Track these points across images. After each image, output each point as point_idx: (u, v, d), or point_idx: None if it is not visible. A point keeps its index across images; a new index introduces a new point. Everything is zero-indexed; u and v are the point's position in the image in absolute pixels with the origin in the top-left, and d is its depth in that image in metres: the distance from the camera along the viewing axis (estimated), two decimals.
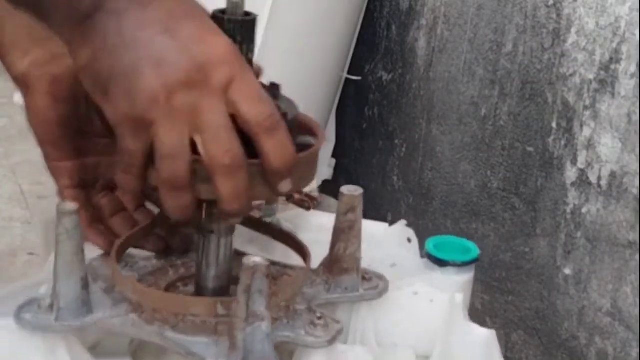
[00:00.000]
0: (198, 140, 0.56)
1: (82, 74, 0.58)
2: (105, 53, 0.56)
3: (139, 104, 0.55)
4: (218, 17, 0.60)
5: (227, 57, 0.57)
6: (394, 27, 1.87)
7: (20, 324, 0.62)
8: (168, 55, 0.56)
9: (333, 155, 2.04)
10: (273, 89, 0.63)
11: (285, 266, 0.73)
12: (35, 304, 0.63)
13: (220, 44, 0.57)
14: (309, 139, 0.65)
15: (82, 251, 0.62)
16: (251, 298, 0.59)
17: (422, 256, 0.81)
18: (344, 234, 0.69)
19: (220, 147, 0.56)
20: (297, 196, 0.83)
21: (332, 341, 0.63)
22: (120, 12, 0.56)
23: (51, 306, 0.62)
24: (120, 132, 0.57)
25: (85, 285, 0.63)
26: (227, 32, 0.59)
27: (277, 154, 0.58)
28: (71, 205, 0.61)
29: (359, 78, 1.96)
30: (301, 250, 0.72)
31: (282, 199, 0.84)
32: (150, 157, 0.58)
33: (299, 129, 0.64)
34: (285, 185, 0.59)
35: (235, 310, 0.60)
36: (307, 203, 0.83)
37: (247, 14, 0.61)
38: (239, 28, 0.60)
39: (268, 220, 0.82)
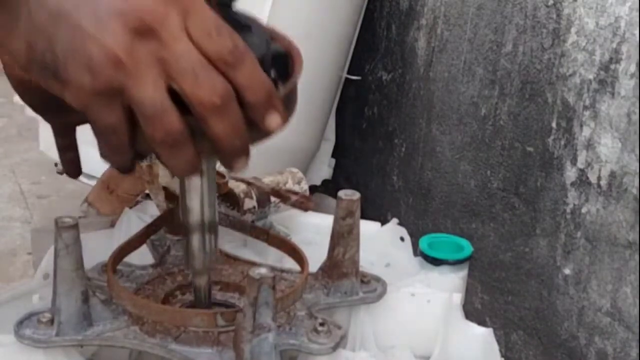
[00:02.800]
0: (178, 88, 0.51)
1: (28, 68, 0.52)
2: (37, 33, 0.50)
3: (101, 72, 0.50)
4: None
5: None
6: (393, 27, 1.87)
7: (20, 340, 0.62)
8: (105, 11, 0.50)
9: (333, 155, 2.04)
10: (240, 19, 0.58)
11: (282, 270, 0.73)
12: (34, 319, 0.63)
13: None
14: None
15: (82, 265, 0.62)
16: (258, 310, 0.58)
17: (415, 255, 0.81)
18: (343, 239, 0.69)
19: (205, 88, 0.51)
20: (293, 197, 0.83)
21: (336, 347, 0.63)
22: None
23: (51, 320, 0.62)
24: (92, 110, 0.52)
25: (86, 299, 0.63)
26: None
27: (251, 87, 0.53)
28: (70, 220, 0.61)
29: (359, 78, 1.96)
30: (299, 257, 0.72)
31: (276, 201, 0.83)
32: (132, 124, 0.53)
33: (274, 60, 0.59)
34: (273, 120, 0.55)
35: (241, 322, 0.59)
36: (304, 204, 0.83)
37: None
38: None
39: (261, 223, 0.81)
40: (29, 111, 0.69)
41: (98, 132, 0.53)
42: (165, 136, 0.52)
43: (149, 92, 0.51)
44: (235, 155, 0.55)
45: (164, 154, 0.53)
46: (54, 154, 1.76)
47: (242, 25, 0.57)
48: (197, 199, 0.62)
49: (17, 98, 0.68)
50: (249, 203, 0.84)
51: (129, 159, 0.55)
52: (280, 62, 0.61)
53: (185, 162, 0.54)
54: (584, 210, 1.36)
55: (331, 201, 1.84)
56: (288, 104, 0.58)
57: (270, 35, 0.60)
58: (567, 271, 1.41)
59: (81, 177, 1.68)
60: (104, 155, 0.55)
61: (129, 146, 0.54)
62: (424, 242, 0.80)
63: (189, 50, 0.51)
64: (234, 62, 0.52)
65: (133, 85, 0.50)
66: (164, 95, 0.51)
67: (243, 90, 0.53)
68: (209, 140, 0.53)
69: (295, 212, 0.87)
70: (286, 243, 0.74)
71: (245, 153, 0.55)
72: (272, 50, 0.59)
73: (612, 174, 1.30)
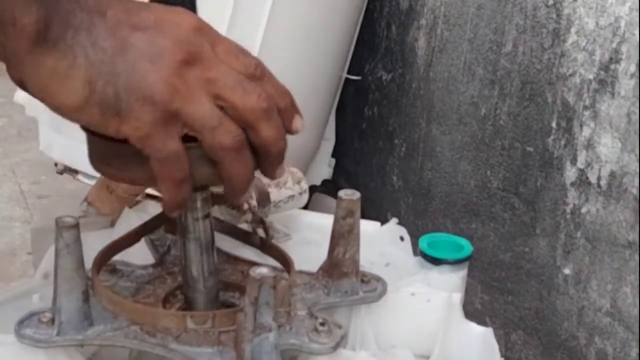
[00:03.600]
0: (226, 103, 0.57)
1: (83, 108, 0.55)
2: (97, 71, 0.55)
3: (161, 100, 0.55)
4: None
5: (197, 25, 0.58)
6: (393, 27, 1.87)
7: (21, 340, 0.62)
8: (153, 46, 0.56)
9: (333, 155, 2.04)
10: None
11: (283, 270, 0.73)
12: (35, 318, 0.63)
13: (184, 18, 0.58)
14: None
15: (83, 265, 0.62)
16: (258, 310, 0.59)
17: (415, 254, 0.81)
18: (343, 239, 0.69)
19: (253, 96, 0.58)
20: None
21: (336, 347, 0.63)
22: (87, 26, 0.55)
23: (52, 320, 0.62)
24: (153, 141, 0.56)
25: (86, 299, 0.63)
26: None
27: (280, 95, 0.60)
28: (71, 219, 0.61)
29: (359, 78, 1.96)
30: (284, 259, 0.72)
31: (275, 201, 0.83)
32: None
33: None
34: (298, 122, 0.62)
35: (242, 322, 0.60)
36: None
37: None
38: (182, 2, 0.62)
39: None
40: (29, 111, 0.69)
41: (161, 163, 0.57)
42: (232, 141, 0.57)
43: (207, 107, 0.57)
44: (280, 159, 0.61)
45: (229, 161, 0.58)
46: (54, 154, 1.77)
47: None
48: (198, 258, 0.66)
49: (17, 98, 0.68)
50: (249, 202, 0.84)
51: (190, 190, 0.59)
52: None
53: (247, 167, 0.59)
54: (584, 210, 1.36)
55: (331, 201, 1.84)
56: None
57: None
58: (567, 271, 1.41)
59: (81, 177, 1.67)
60: (169, 198, 0.59)
61: (188, 173, 0.58)
62: (423, 242, 0.80)
63: (229, 69, 0.58)
64: (261, 75, 0.59)
65: (189, 106, 0.56)
66: (217, 110, 0.57)
67: (275, 96, 0.60)
68: (254, 152, 0.59)
69: (296, 212, 0.87)
70: (271, 246, 0.74)
71: (284, 158, 0.62)
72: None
73: (612, 174, 1.30)
